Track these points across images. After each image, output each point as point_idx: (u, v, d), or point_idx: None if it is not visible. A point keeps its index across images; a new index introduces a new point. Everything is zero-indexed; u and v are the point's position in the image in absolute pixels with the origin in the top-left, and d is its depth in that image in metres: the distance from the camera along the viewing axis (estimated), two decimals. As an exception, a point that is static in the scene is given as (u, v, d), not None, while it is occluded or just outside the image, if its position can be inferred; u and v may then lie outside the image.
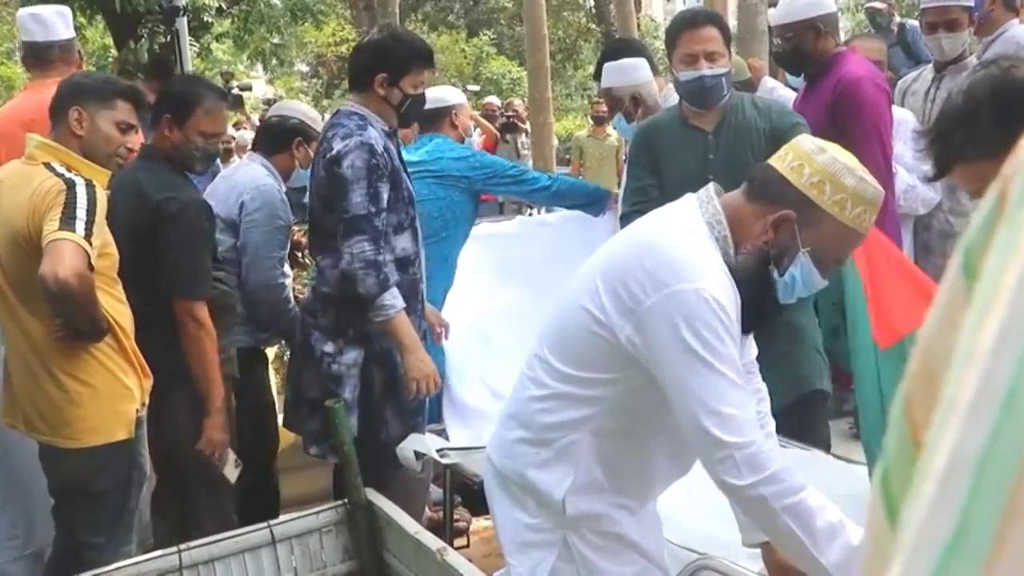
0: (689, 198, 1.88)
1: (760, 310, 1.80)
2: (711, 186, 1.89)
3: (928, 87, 4.03)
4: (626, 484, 1.91)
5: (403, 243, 3.07)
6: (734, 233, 1.79)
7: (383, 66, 3.05)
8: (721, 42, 3.08)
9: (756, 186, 1.83)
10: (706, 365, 1.65)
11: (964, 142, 1.63)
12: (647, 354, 1.72)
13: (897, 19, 6.42)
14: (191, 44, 9.91)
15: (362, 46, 3.20)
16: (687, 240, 1.75)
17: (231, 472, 3.18)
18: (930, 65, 4.20)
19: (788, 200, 1.75)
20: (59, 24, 3.77)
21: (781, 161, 1.80)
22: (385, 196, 2.97)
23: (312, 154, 3.58)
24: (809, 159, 1.75)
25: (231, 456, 3.15)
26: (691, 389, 1.66)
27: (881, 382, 2.24)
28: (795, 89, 4.14)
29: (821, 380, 3.03)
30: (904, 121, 3.94)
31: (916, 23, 6.06)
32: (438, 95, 3.98)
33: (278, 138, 3.68)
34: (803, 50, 3.54)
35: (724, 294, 1.69)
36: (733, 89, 3.21)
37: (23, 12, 3.88)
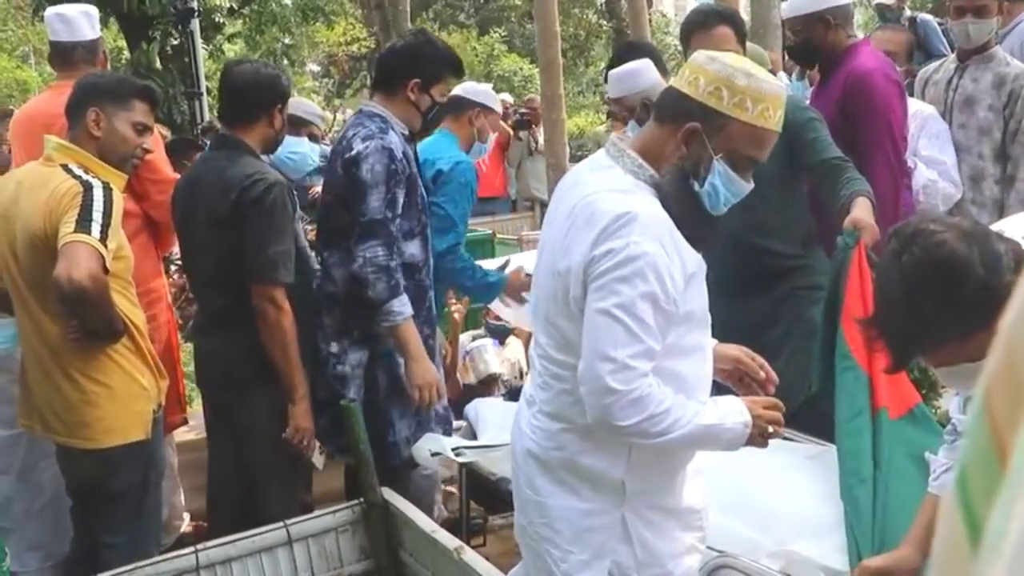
0: (601, 157, 1.94)
1: (695, 226, 1.85)
2: (614, 137, 1.95)
3: (951, 76, 3.97)
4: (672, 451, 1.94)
5: (412, 249, 3.04)
6: (656, 164, 1.85)
7: (417, 71, 3.03)
8: (735, 40, 3.04)
9: (660, 109, 1.91)
10: (612, 316, 1.73)
11: (919, 337, 1.62)
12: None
13: (908, 13, 6.34)
14: (203, 45, 9.95)
15: (396, 49, 3.16)
16: (620, 201, 1.79)
17: (318, 459, 3.16)
18: (953, 55, 4.15)
19: (691, 113, 1.81)
20: (84, 24, 3.77)
21: (679, 80, 1.88)
22: (401, 202, 2.95)
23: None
24: (702, 70, 1.82)
25: (316, 443, 3.11)
26: (596, 334, 1.75)
27: (883, 446, 2.37)
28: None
29: None
30: (933, 117, 3.88)
31: (928, 17, 5.99)
32: (471, 88, 3.86)
33: None
34: (813, 43, 3.50)
35: (654, 245, 1.74)
36: None
37: (51, 11, 3.88)
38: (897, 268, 1.62)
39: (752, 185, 1.90)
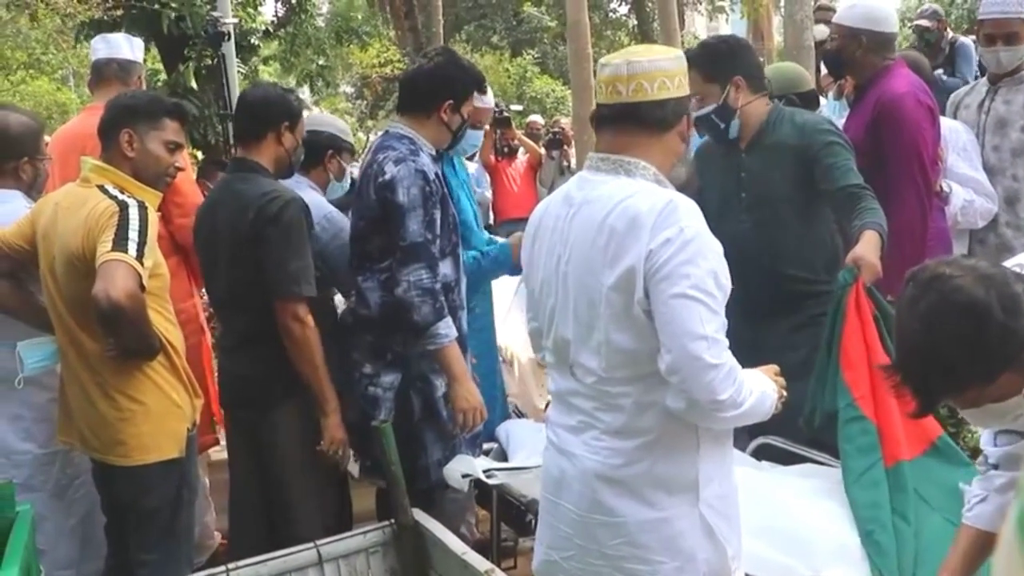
0: (594, 175, 2.00)
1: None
2: (595, 158, 2.02)
3: (983, 99, 3.96)
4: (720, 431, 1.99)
5: (445, 269, 3.01)
6: (662, 168, 1.98)
7: (449, 93, 3.05)
8: (700, 82, 2.96)
9: (655, 123, 1.97)
10: (690, 297, 1.80)
11: (944, 382, 1.63)
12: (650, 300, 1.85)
13: (949, 35, 6.22)
14: (238, 67, 10.08)
15: (426, 71, 3.13)
16: (654, 195, 1.88)
17: (354, 467, 3.18)
18: (984, 78, 4.12)
19: (681, 109, 1.99)
20: (124, 45, 3.93)
21: (645, 92, 1.95)
22: (438, 222, 2.95)
23: (343, 164, 3.57)
24: (646, 76, 1.94)
25: (350, 452, 3.11)
26: (680, 318, 1.80)
27: (908, 495, 2.38)
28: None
29: None
30: (956, 131, 3.87)
31: (968, 41, 5.92)
32: None
33: (312, 153, 3.58)
34: (844, 55, 3.58)
35: (700, 224, 1.85)
36: (774, 107, 3.15)
37: (96, 37, 4.05)
38: (916, 315, 1.62)
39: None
